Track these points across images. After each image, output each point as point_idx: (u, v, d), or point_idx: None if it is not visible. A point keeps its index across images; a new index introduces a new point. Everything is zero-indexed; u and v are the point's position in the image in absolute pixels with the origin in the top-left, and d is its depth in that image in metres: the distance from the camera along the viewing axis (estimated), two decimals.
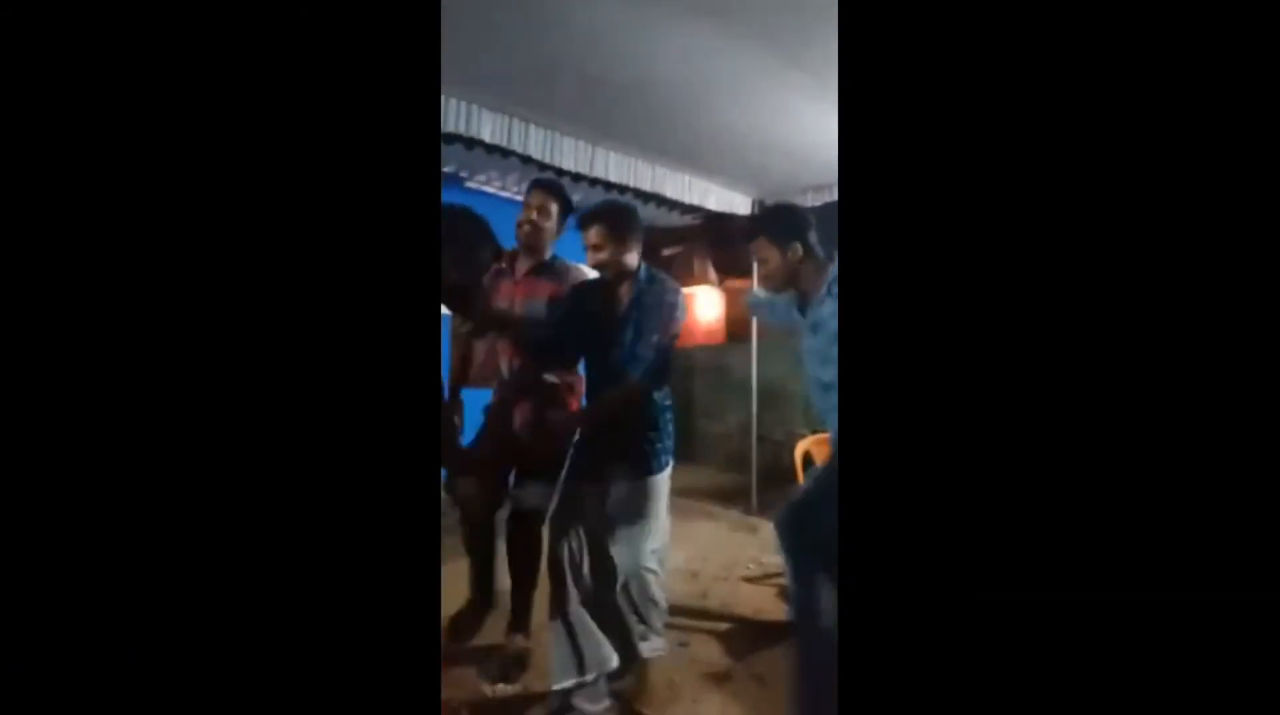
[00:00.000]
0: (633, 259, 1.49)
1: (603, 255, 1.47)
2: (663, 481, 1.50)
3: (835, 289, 1.38)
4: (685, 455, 4.66)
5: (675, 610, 1.85)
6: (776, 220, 1.48)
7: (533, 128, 2.54)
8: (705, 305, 5.10)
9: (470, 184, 3.42)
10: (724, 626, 1.97)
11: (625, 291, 1.51)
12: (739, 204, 3.12)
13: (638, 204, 1.87)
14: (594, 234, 1.46)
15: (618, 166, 2.82)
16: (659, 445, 1.49)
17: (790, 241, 1.42)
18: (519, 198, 3.62)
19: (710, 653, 1.81)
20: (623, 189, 2.95)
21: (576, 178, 2.80)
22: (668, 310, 1.45)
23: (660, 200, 3.14)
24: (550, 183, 1.84)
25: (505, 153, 2.58)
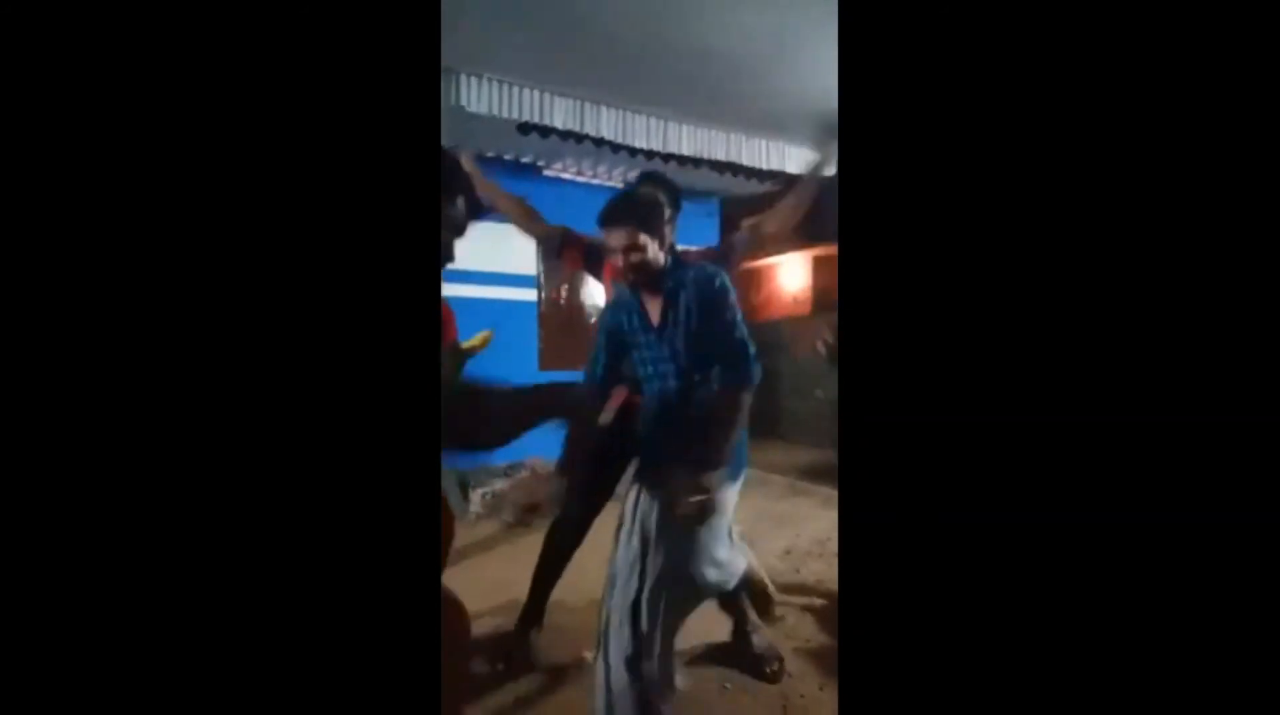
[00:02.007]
0: (662, 256, 1.30)
1: (635, 258, 1.26)
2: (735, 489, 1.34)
3: None
4: (774, 432, 4.59)
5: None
6: None
7: (604, 109, 2.55)
8: (789, 275, 4.93)
9: (547, 172, 3.49)
10: (818, 602, 1.94)
11: (659, 302, 1.31)
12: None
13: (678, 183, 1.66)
14: (623, 236, 1.25)
15: (690, 139, 2.77)
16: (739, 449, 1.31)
17: None
18: (595, 181, 3.67)
19: (805, 628, 1.79)
20: (698, 162, 2.90)
21: (650, 154, 2.78)
22: (720, 297, 1.26)
23: (737, 169, 3.06)
24: (616, 212, 1.33)
25: (579, 137, 2.61)
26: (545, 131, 2.55)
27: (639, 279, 1.29)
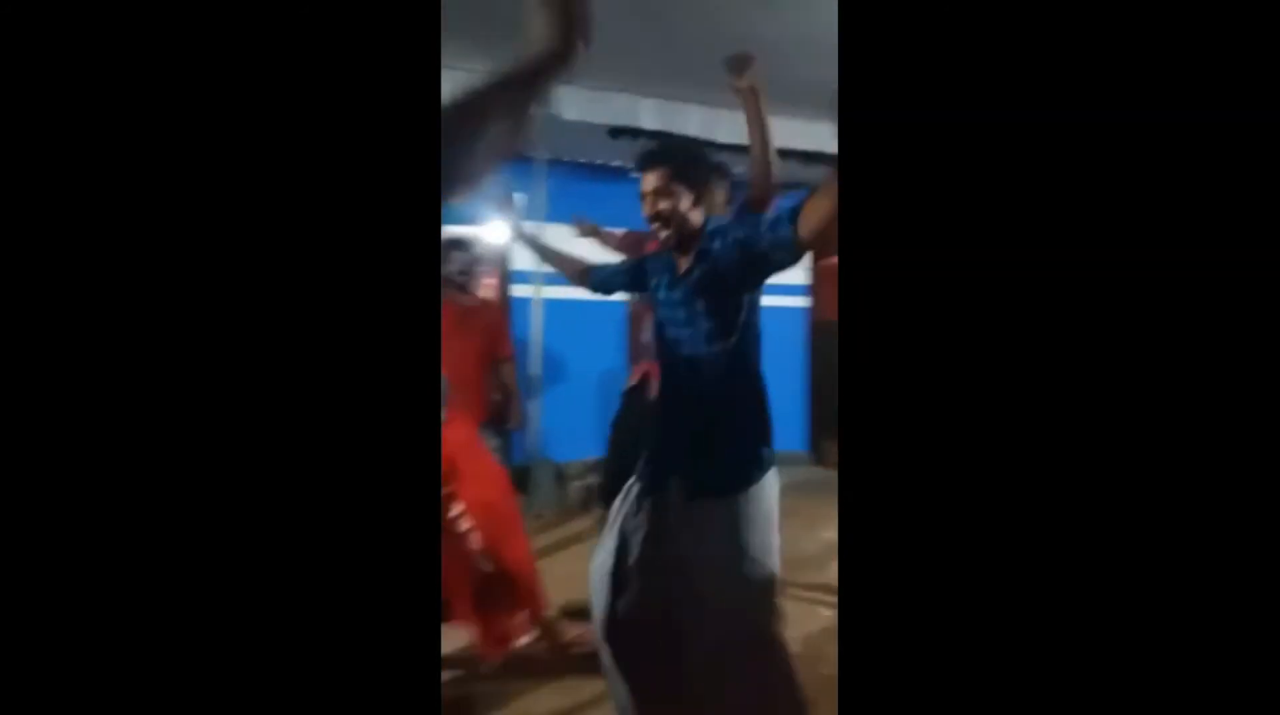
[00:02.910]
0: (698, 216, 1.18)
1: (664, 205, 1.15)
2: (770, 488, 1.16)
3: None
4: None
5: None
6: None
7: (692, 107, 2.59)
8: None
9: (634, 175, 3.57)
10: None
11: (688, 257, 1.18)
12: None
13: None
14: (655, 178, 1.16)
15: (778, 131, 2.75)
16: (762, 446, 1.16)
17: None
18: None
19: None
20: (785, 153, 2.87)
21: (736, 149, 2.79)
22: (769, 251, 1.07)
23: (823, 158, 3.00)
24: (653, 154, 1.26)
25: (666, 137, 2.67)
26: (636, 134, 2.63)
27: (666, 231, 1.16)
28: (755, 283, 1.16)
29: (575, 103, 2.44)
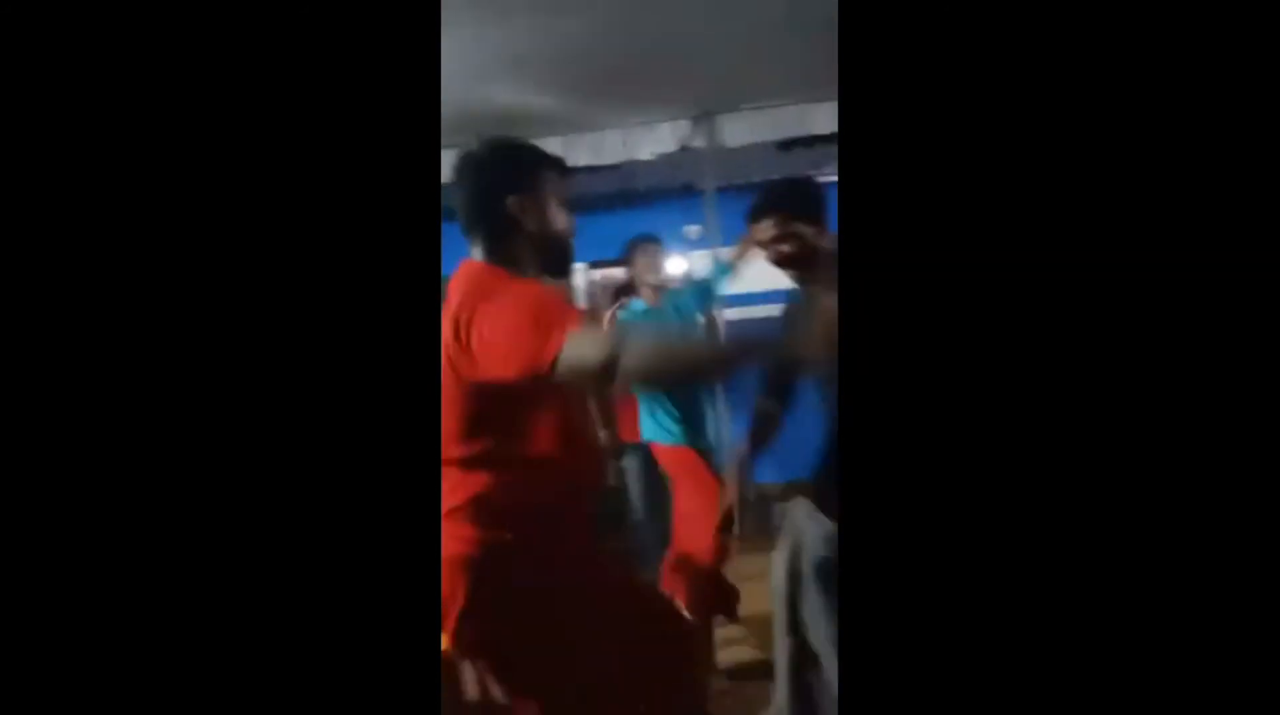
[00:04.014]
0: (828, 242, 1.12)
1: (787, 249, 1.12)
2: None
3: None
4: None
5: None
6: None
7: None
8: None
9: (820, 178, 3.36)
10: None
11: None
12: None
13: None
14: (767, 228, 1.13)
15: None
16: None
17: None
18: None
19: None
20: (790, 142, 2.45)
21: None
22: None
23: None
24: (765, 202, 1.24)
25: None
26: (810, 142, 2.46)
27: (799, 274, 1.16)
28: None
29: (743, 129, 2.35)
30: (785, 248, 1.14)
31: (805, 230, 1.14)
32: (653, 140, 2.37)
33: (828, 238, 1.15)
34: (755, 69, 2.08)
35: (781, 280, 1.46)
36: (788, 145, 2.50)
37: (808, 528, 1.20)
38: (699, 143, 2.35)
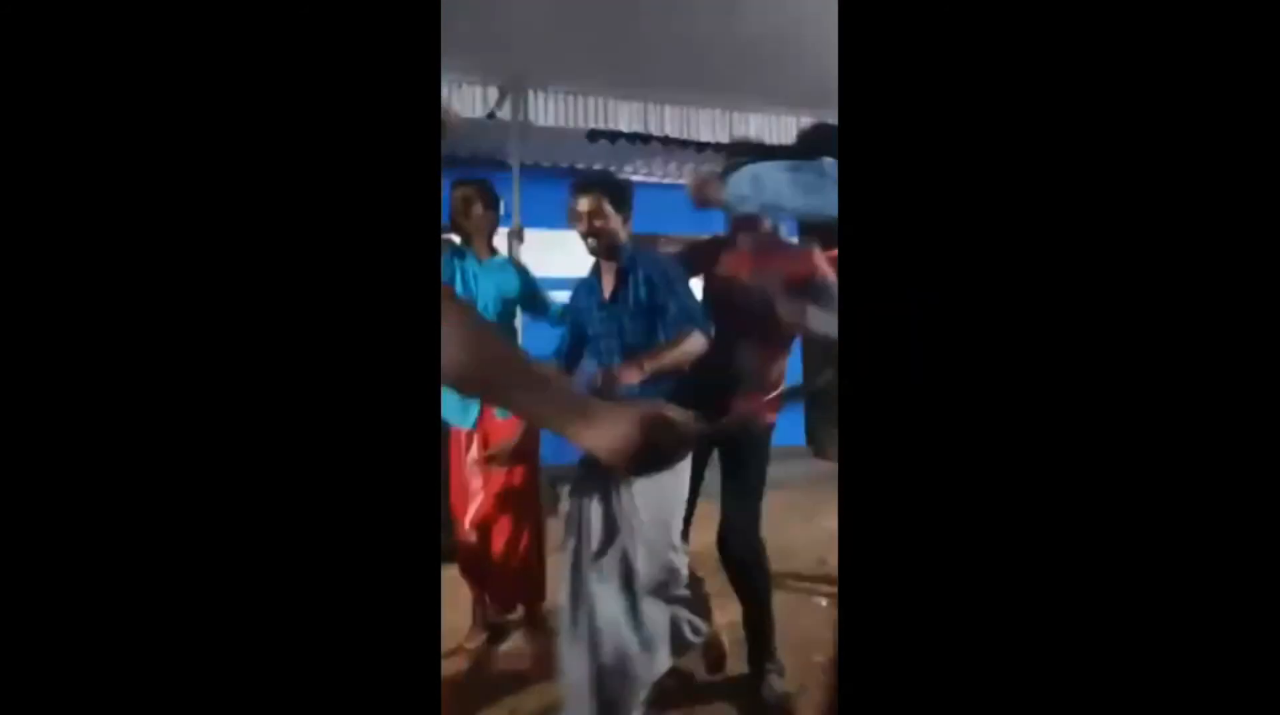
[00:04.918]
0: (624, 233, 1.39)
1: (599, 223, 1.35)
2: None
3: None
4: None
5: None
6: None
7: (668, 108, 2.55)
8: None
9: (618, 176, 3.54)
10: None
11: (614, 276, 1.39)
12: None
13: None
14: (589, 201, 1.35)
15: (758, 126, 2.71)
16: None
17: None
18: (666, 181, 3.67)
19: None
20: (771, 149, 2.84)
21: (718, 148, 2.75)
22: (675, 276, 1.37)
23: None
24: (592, 180, 1.50)
25: (645, 138, 2.63)
26: (613, 136, 2.58)
27: (600, 246, 1.37)
28: (667, 297, 1.36)
29: (550, 109, 2.39)
30: (599, 224, 1.34)
31: (616, 218, 1.36)
32: (458, 101, 2.29)
33: (626, 231, 1.39)
34: (560, 52, 2.12)
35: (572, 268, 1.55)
36: (595, 136, 2.59)
37: (589, 507, 1.30)
38: (505, 115, 2.33)
